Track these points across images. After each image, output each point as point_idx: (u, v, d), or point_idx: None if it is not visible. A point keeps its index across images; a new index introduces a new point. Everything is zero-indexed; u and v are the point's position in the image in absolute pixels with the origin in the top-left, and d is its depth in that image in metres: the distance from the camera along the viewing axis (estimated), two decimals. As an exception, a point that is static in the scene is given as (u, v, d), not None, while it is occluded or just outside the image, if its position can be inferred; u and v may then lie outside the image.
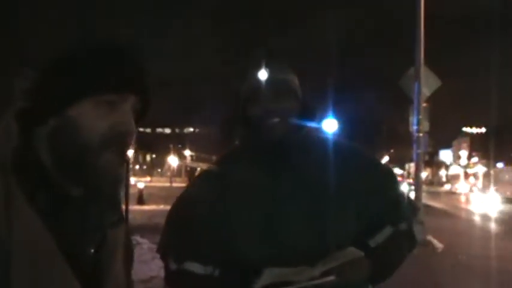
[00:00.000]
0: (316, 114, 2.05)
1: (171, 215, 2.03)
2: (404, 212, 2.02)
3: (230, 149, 2.13)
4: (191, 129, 53.20)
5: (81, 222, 1.27)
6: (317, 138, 2.08)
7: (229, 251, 1.87)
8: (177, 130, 60.02)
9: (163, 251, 1.99)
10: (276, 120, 1.90)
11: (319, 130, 2.18)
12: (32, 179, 1.22)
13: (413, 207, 2.13)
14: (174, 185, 60.78)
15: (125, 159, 1.28)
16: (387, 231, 1.95)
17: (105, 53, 1.29)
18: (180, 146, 60.63)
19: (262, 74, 1.94)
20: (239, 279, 1.85)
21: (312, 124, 2.03)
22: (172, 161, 67.41)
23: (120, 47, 1.33)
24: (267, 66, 1.96)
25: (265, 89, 1.93)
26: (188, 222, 1.95)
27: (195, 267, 1.88)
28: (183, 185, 54.21)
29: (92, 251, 1.29)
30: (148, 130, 68.99)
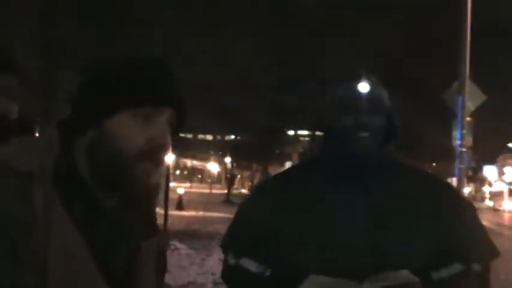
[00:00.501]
0: (399, 133, 2.03)
1: (239, 213, 2.10)
2: (481, 251, 1.92)
3: (305, 158, 2.14)
4: (232, 137, 53.27)
5: (115, 234, 1.30)
6: (397, 159, 2.06)
7: (284, 254, 1.89)
8: (218, 137, 60.10)
9: (225, 245, 2.07)
10: (367, 134, 1.89)
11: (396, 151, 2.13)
12: (70, 189, 1.24)
13: (492, 248, 1.99)
14: (214, 191, 61.01)
15: (160, 172, 1.31)
16: (456, 267, 1.86)
17: (143, 67, 1.32)
18: (220, 153, 60.74)
19: (362, 87, 1.93)
20: (286, 281, 1.87)
21: (394, 143, 2.02)
22: (213, 167, 67.71)
23: (157, 61, 1.36)
24: (366, 80, 1.94)
25: (360, 102, 1.91)
26: (252, 222, 2.01)
27: (250, 265, 1.93)
28: (223, 191, 54.18)
29: (124, 261, 1.33)
30: (189, 136, 69.27)
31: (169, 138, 1.31)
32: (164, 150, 1.30)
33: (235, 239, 2.05)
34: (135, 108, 1.27)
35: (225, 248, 2.07)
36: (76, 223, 1.21)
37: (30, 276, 1.14)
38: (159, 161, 1.29)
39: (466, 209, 2.01)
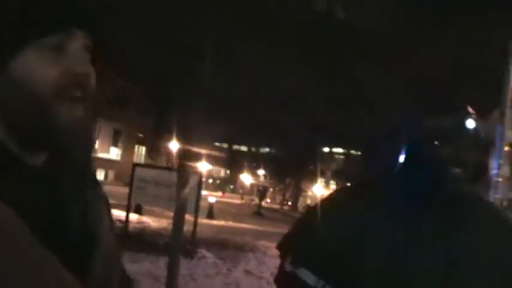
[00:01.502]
0: (486, 173, 1.98)
1: (305, 219, 2.06)
2: None
3: (376, 178, 2.08)
4: (267, 149, 53.32)
5: (55, 195, 1.12)
6: (478, 199, 1.98)
7: (350, 277, 1.85)
8: (253, 149, 60.20)
9: (284, 250, 2.02)
10: (461, 170, 1.84)
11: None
12: None
13: None
14: (245, 202, 60.98)
15: (89, 106, 1.12)
16: None
17: None
18: (254, 164, 60.80)
19: (468, 122, 1.88)
20: None
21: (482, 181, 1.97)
22: (245, 178, 67.75)
23: None
24: (471, 115, 1.90)
25: (461, 138, 1.87)
26: (318, 232, 1.94)
27: (308, 277, 1.88)
28: (254, 203, 53.93)
29: (76, 223, 1.14)
30: (225, 145, 69.35)
31: (89, 65, 1.12)
32: (86, 80, 1.10)
33: (298, 246, 1.99)
34: (39, 39, 1.07)
35: (284, 251, 2.02)
36: (6, 198, 0.99)
37: None
38: (84, 94, 1.10)
39: None
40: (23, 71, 1.06)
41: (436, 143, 1.85)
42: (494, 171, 12.94)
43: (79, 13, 1.12)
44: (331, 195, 2.19)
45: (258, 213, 44.90)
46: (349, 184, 2.25)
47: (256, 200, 56.06)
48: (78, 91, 1.09)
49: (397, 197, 1.88)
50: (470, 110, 1.91)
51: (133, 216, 18.16)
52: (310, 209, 2.12)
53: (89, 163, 1.23)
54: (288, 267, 1.94)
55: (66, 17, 1.10)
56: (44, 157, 1.13)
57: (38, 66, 1.06)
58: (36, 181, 1.09)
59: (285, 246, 2.04)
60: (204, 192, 27.79)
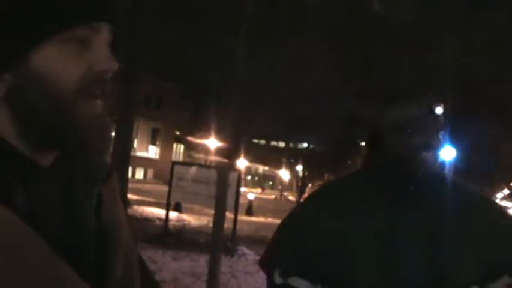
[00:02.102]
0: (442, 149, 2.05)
1: (283, 229, 2.03)
2: None
3: (354, 172, 2.14)
4: (305, 145, 53.22)
5: (68, 193, 1.07)
6: (446, 177, 2.10)
7: (339, 273, 1.84)
8: (291, 144, 60.17)
9: (269, 264, 1.98)
10: (430, 154, 1.91)
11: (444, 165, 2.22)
12: None
13: None
14: (284, 198, 60.98)
15: (107, 103, 1.06)
16: (505, 280, 1.89)
17: None
18: (292, 160, 60.77)
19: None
20: None
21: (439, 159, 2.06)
22: (284, 174, 67.75)
23: None
24: (429, 100, 1.97)
25: (427, 122, 1.93)
26: (301, 238, 1.92)
27: (301, 284, 1.86)
28: (293, 199, 53.98)
29: (91, 220, 1.09)
30: (262, 142, 69.46)
31: (112, 63, 1.04)
32: (108, 78, 1.04)
33: (283, 257, 1.96)
34: (65, 32, 0.98)
35: (269, 266, 1.97)
36: (19, 205, 0.94)
37: None
38: (105, 92, 1.04)
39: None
40: (45, 65, 0.97)
41: (408, 131, 1.92)
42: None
43: (104, 6, 1.04)
44: (310, 196, 2.21)
45: (297, 208, 44.82)
46: (325, 183, 2.36)
47: (291, 197, 55.98)
48: (99, 88, 1.02)
49: (378, 189, 1.94)
50: (432, 96, 1.99)
51: (173, 214, 18.29)
52: (289, 216, 2.09)
53: (102, 159, 1.18)
54: (278, 280, 1.90)
55: (92, 9, 1.02)
56: (53, 156, 1.06)
57: (61, 61, 0.98)
58: (47, 183, 1.03)
59: (269, 261, 1.99)
60: (243, 189, 27.89)
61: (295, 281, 1.86)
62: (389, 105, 1.98)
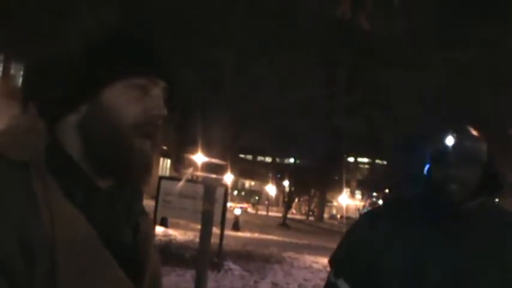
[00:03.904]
0: (500, 181, 2.11)
1: (350, 234, 2.24)
2: None
3: (406, 198, 2.23)
4: (292, 160, 53.29)
5: (116, 215, 1.28)
6: (492, 209, 2.14)
7: (375, 285, 2.02)
8: (277, 159, 60.20)
9: (331, 262, 2.22)
10: (454, 186, 1.97)
11: (494, 201, 2.25)
12: (65, 174, 1.20)
13: None
14: (270, 214, 60.98)
15: (156, 145, 1.29)
16: None
17: (138, 38, 1.31)
18: (279, 175, 60.77)
19: (450, 140, 2.03)
20: None
21: (493, 192, 2.11)
22: (271, 190, 67.74)
23: (151, 33, 1.35)
24: (457, 132, 2.04)
25: (450, 155, 2.00)
26: (357, 247, 2.12)
27: (345, 287, 2.09)
28: (279, 214, 53.96)
29: (129, 241, 1.30)
30: (249, 157, 69.50)
31: (165, 110, 1.29)
32: (159, 123, 1.28)
33: (337, 259, 2.19)
34: (128, 78, 1.25)
35: (330, 263, 2.22)
36: (78, 206, 1.18)
37: (39, 267, 1.11)
38: (155, 133, 1.27)
39: None
40: (112, 101, 1.23)
41: (437, 162, 2.02)
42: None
43: (166, 66, 1.32)
44: (367, 213, 2.42)
45: (284, 224, 44.81)
46: (382, 203, 2.44)
47: (277, 212, 55.96)
48: (151, 130, 1.26)
49: (416, 217, 2.07)
50: (469, 129, 2.06)
51: (159, 229, 18.20)
52: (354, 224, 2.32)
53: (142, 192, 1.39)
54: (332, 278, 2.14)
55: (158, 66, 1.30)
56: (109, 182, 1.27)
57: (125, 100, 1.24)
58: (101, 202, 1.24)
59: (332, 259, 2.23)
60: (229, 204, 27.82)
61: (341, 283, 2.10)
62: (434, 133, 2.07)
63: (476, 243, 2.00)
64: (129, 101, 1.24)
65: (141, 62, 1.27)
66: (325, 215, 66.47)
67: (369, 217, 2.34)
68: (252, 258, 15.66)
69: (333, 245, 2.59)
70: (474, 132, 2.08)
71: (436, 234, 2.01)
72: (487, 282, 1.93)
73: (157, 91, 1.28)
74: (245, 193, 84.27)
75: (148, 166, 1.28)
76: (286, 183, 56.44)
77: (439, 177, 2.00)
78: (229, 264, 12.81)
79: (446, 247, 1.99)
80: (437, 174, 2.01)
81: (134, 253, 1.30)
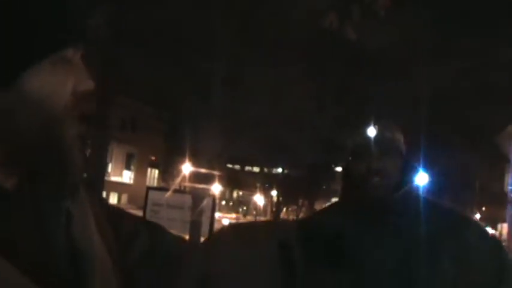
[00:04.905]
0: (417, 173, 2.05)
1: None
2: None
3: (336, 202, 2.19)
4: (280, 170, 53.28)
5: (34, 216, 0.99)
6: (417, 199, 2.06)
7: None
8: (265, 169, 60.16)
9: None
10: (378, 179, 1.91)
11: (418, 189, 2.17)
12: None
13: None
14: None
15: (84, 123, 1.05)
16: None
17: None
18: (267, 185, 60.73)
19: (369, 132, 1.95)
20: None
21: (412, 182, 2.03)
22: (259, 199, 67.60)
23: None
24: (374, 124, 1.96)
25: (369, 148, 1.94)
26: None
27: None
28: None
29: (62, 237, 1.03)
30: (237, 167, 69.39)
31: (91, 82, 1.04)
32: (90, 98, 1.06)
33: None
34: (54, 52, 0.98)
35: None
36: None
37: None
38: (85, 112, 1.05)
39: (493, 250, 1.99)
40: (38, 85, 0.96)
41: (354, 158, 1.96)
42: (510, 187, 12.88)
43: (82, 25, 1.02)
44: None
45: (272, 234, 44.63)
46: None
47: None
48: (83, 109, 1.02)
49: (344, 213, 2.00)
50: (385, 121, 2.00)
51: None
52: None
53: (71, 178, 1.07)
54: None
55: (76, 29, 1.01)
56: (15, 178, 1.00)
57: (54, 82, 0.98)
58: (14, 208, 0.97)
59: None
60: (217, 214, 27.73)
61: None
62: (349, 133, 2.02)
63: (406, 238, 1.91)
64: (59, 80, 0.99)
65: (64, 30, 0.99)
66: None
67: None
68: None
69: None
70: (391, 123, 2.02)
71: (361, 232, 1.93)
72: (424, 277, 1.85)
73: (80, 60, 1.03)
74: (233, 203, 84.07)
75: (79, 150, 1.03)
76: (274, 192, 56.37)
77: (360, 172, 1.94)
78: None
79: (370, 245, 1.91)
80: (358, 169, 1.95)
81: (71, 258, 1.02)
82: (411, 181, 2.02)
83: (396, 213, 1.94)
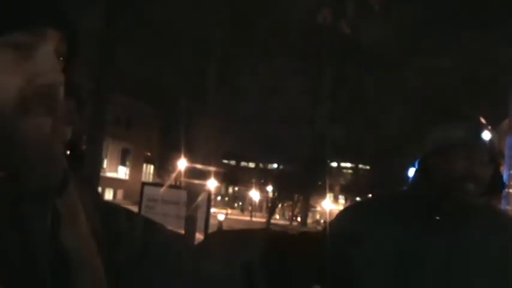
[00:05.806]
0: (503, 184, 1.93)
1: (332, 229, 2.01)
2: None
3: (397, 192, 2.05)
4: (275, 166, 53.33)
5: (17, 218, 0.91)
6: (488, 210, 1.91)
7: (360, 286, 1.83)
8: (261, 165, 60.19)
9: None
10: (473, 186, 1.74)
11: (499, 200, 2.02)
12: None
13: None
14: (254, 219, 60.80)
15: (58, 122, 0.91)
16: None
17: None
18: (262, 181, 60.75)
19: (485, 134, 1.77)
20: None
21: (500, 191, 1.94)
22: (254, 195, 67.63)
23: None
24: (486, 126, 1.79)
25: (475, 151, 1.76)
26: (337, 248, 1.89)
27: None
28: (263, 220, 53.90)
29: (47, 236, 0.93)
30: (232, 163, 69.35)
31: (60, 74, 0.90)
32: (54, 92, 0.89)
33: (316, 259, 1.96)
34: (2, 36, 0.86)
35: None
36: None
37: None
38: (49, 108, 0.88)
39: None
40: None
41: (447, 155, 1.76)
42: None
43: (51, 9, 0.90)
44: (343, 212, 2.14)
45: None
46: (360, 200, 2.27)
47: (261, 218, 55.91)
48: (44, 104, 0.88)
49: (406, 212, 1.84)
50: (482, 120, 1.82)
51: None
52: (336, 215, 2.09)
53: (50, 179, 0.94)
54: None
55: (39, 12, 0.88)
56: None
57: None
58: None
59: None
60: (213, 210, 27.72)
61: None
62: (435, 125, 1.84)
63: (469, 244, 1.78)
64: (5, 69, 0.86)
65: (17, 11, 0.87)
66: (309, 220, 66.39)
67: (352, 210, 2.15)
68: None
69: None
70: (487, 126, 1.82)
71: (423, 233, 1.78)
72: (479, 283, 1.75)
73: (46, 49, 0.89)
74: (228, 198, 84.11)
75: (50, 150, 0.91)
76: (269, 188, 56.43)
77: (452, 174, 1.75)
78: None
79: (436, 248, 1.77)
80: (452, 170, 1.75)
81: (58, 261, 0.93)
82: (498, 190, 1.91)
83: (476, 221, 1.79)
